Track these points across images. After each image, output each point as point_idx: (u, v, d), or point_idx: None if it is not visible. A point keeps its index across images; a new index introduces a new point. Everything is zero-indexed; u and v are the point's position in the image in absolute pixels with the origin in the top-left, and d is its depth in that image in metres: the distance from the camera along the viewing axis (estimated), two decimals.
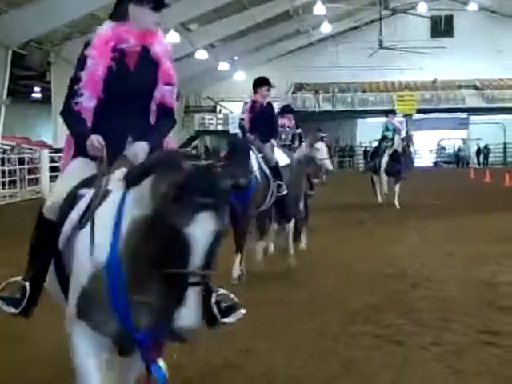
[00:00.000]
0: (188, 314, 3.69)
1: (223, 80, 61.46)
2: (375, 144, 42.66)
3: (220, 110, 63.71)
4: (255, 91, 13.55)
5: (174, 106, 5.26)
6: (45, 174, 34.20)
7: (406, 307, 11.31)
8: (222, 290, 4.71)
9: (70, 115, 4.75)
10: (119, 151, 4.67)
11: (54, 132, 43.68)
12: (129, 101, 4.91)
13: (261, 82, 13.63)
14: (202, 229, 3.68)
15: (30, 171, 34.92)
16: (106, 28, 4.85)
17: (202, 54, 50.77)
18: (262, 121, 13.39)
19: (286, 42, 59.72)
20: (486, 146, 60.21)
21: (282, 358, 8.67)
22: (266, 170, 12.84)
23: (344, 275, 13.53)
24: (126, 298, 4.03)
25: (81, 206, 4.47)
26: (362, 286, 12.35)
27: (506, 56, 60.07)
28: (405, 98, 58.78)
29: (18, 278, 4.58)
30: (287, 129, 18.33)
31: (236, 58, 58.51)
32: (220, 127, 63.16)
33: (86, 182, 4.63)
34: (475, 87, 61.05)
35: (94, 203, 4.35)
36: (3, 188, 32.18)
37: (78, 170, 4.78)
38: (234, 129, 60.50)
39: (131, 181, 4.20)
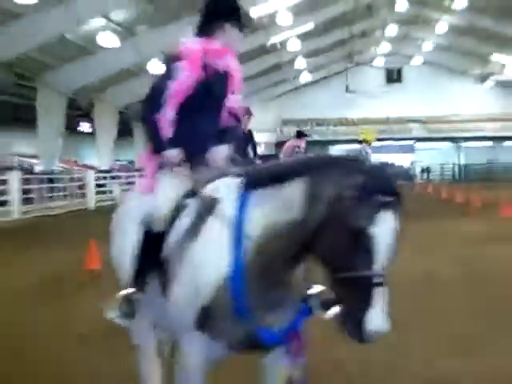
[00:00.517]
0: (378, 317, 3.14)
1: None
2: None
3: None
4: None
5: (241, 114, 4.86)
6: (90, 190, 34.66)
7: None
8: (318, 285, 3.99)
9: (151, 124, 4.26)
10: (200, 157, 4.29)
11: (97, 156, 44.21)
12: (207, 109, 4.51)
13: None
14: (384, 228, 3.18)
15: (79, 187, 35.08)
16: (197, 44, 4.39)
17: None
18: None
19: (275, 88, 60.34)
20: (427, 167, 61.12)
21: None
22: None
23: None
24: (251, 304, 3.45)
25: (188, 215, 3.87)
26: None
27: (443, 98, 60.78)
28: (366, 130, 59.32)
29: (126, 291, 4.00)
30: (302, 149, 18.62)
31: None
32: None
33: (187, 193, 4.05)
34: (420, 122, 61.62)
35: (203, 213, 3.78)
36: (59, 200, 32.58)
37: (171, 182, 4.16)
38: None
39: (255, 186, 3.63)
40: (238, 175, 3.80)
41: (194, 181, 4.05)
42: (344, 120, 61.19)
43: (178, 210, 3.94)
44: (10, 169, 30.30)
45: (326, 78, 60.30)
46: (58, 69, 33.83)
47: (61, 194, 33.52)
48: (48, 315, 9.28)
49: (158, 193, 4.11)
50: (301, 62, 52.52)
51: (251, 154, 16.07)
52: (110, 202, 35.76)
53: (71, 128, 43.79)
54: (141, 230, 4.06)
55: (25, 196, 28.91)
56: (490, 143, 61.77)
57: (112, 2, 28.56)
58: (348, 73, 51.78)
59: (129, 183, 42.75)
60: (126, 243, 4.29)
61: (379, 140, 58.72)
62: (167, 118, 4.23)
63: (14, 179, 27.81)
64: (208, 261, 3.55)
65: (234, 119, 4.62)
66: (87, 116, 44.70)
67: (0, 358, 7.33)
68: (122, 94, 41.01)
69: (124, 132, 46.90)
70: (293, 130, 60.89)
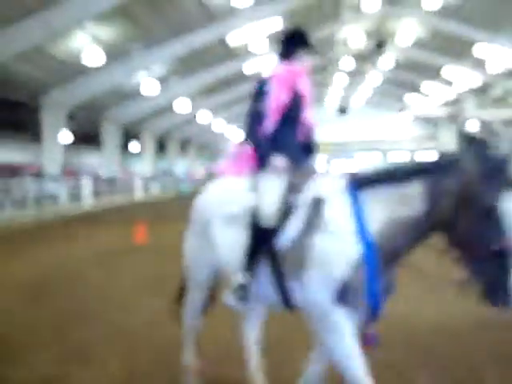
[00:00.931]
0: None
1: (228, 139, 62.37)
2: None
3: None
4: None
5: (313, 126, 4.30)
6: (139, 189, 34.94)
7: None
8: None
9: (256, 138, 3.86)
10: (297, 162, 3.86)
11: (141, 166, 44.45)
12: (293, 123, 4.10)
13: None
14: (509, 205, 2.80)
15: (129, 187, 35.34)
16: (282, 68, 4.07)
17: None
18: None
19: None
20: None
21: None
22: None
23: None
24: (380, 283, 3.07)
25: (301, 213, 3.35)
26: None
27: (375, 126, 61.15)
28: (323, 148, 59.33)
29: (241, 279, 3.46)
30: None
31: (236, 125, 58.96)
32: None
33: (293, 192, 3.48)
34: (359, 143, 62.02)
35: (317, 209, 3.30)
36: (117, 195, 32.92)
37: (275, 183, 3.59)
38: None
39: (362, 186, 3.27)
40: (341, 177, 3.44)
41: (296, 182, 3.56)
42: None
43: (287, 207, 3.42)
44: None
45: None
46: (118, 107, 34.07)
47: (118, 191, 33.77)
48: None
49: (264, 192, 3.58)
50: None
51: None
52: (149, 198, 36.18)
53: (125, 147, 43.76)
54: (248, 225, 3.53)
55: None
56: (408, 153, 62.25)
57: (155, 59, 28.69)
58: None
59: (163, 185, 43.27)
60: (227, 239, 3.67)
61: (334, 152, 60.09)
62: (268, 130, 3.91)
63: (87, 182, 28.27)
64: (340, 248, 3.12)
65: (310, 131, 4.25)
66: (137, 138, 44.67)
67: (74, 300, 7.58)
68: (158, 124, 41.40)
69: (162, 147, 47.32)
70: None
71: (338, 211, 3.23)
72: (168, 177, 46.17)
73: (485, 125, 50.33)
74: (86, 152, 44.32)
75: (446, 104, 46.67)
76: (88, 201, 28.09)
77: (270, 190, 3.56)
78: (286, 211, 3.39)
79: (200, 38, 27.17)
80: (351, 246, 3.09)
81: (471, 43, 33.57)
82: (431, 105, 51.74)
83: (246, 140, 4.03)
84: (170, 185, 44.43)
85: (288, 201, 3.43)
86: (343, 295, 3.06)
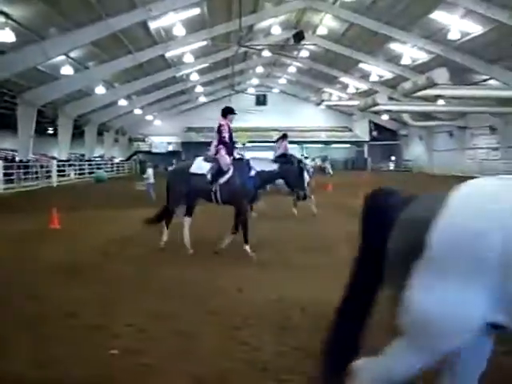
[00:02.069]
0: None
1: (149, 125, 61.29)
2: None
3: (146, 140, 63.18)
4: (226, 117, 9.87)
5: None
6: (54, 174, 33.94)
7: None
8: None
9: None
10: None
11: (58, 151, 43.00)
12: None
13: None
14: None
15: (46, 172, 34.22)
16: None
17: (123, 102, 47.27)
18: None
19: (181, 106, 60.09)
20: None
21: None
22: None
23: None
24: None
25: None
26: None
27: (293, 115, 61.94)
28: (242, 135, 59.69)
29: None
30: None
31: (155, 113, 58.27)
32: (147, 149, 62.03)
33: None
34: (278, 130, 62.25)
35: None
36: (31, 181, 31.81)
37: None
38: (155, 150, 60.88)
39: None
40: None
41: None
42: None
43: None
44: None
45: (216, 100, 60.30)
46: (33, 89, 32.76)
47: (33, 176, 32.58)
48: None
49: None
50: (199, 89, 52.60)
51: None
52: (67, 183, 35.12)
53: (40, 131, 42.34)
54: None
55: (6, 178, 28.11)
56: (322, 145, 63.35)
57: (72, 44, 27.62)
58: (231, 97, 51.72)
59: (81, 169, 42.11)
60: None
61: (251, 142, 60.02)
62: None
63: None
64: None
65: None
66: (53, 123, 43.21)
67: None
68: (75, 108, 40.20)
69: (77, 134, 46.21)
70: (194, 134, 61.81)
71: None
72: (84, 162, 44.94)
73: (394, 116, 52.17)
74: (0, 135, 42.56)
75: (360, 96, 47.83)
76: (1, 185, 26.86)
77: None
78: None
79: (121, 23, 26.41)
80: None
81: (385, 39, 34.56)
82: (346, 97, 52.96)
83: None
84: (86, 170, 43.23)
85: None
86: None
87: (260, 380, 4.24)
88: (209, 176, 9.58)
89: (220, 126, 9.88)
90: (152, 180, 22.25)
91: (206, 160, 9.94)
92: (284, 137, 18.89)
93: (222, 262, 8.85)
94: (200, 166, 9.79)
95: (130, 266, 8.53)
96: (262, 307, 6.16)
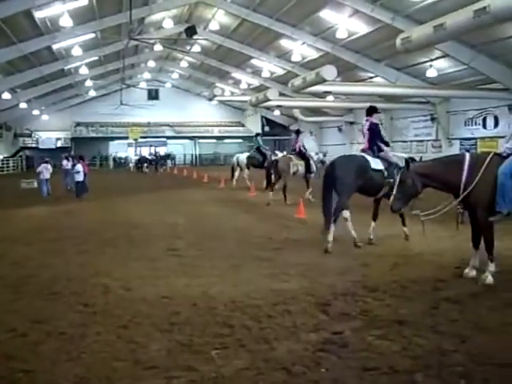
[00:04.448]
0: None
1: (36, 119, 58.55)
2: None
3: (33, 136, 60.23)
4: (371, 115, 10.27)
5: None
6: None
7: None
8: None
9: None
10: None
11: None
12: None
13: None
14: None
15: None
16: None
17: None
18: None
19: (70, 100, 57.66)
20: (170, 155, 57.29)
21: None
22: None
23: None
24: None
25: None
26: None
27: (185, 110, 61.63)
28: (134, 130, 58.69)
29: None
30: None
31: (43, 108, 55.71)
32: (34, 145, 58.96)
33: None
34: (169, 126, 62.03)
35: None
36: None
37: None
38: (42, 146, 58.08)
39: None
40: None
41: None
42: (119, 123, 59.95)
43: None
44: None
45: (106, 94, 58.79)
46: None
47: None
48: None
49: None
50: (88, 83, 50.74)
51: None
52: None
53: None
54: None
55: None
56: (215, 140, 63.57)
57: None
58: (122, 91, 50.55)
59: None
60: None
61: (143, 137, 59.19)
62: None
63: None
64: None
65: None
66: None
67: None
68: None
69: None
70: (84, 129, 59.95)
71: None
72: None
73: (286, 112, 53.20)
74: None
75: (253, 92, 48.28)
76: None
77: None
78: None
79: (2, 11, 24.85)
80: None
81: (276, 36, 35.07)
82: (239, 92, 53.29)
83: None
84: None
85: None
86: None
87: (148, 378, 4.14)
88: (385, 172, 9.74)
89: (377, 125, 10.19)
90: (47, 175, 22.28)
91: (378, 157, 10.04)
92: (298, 132, 18.74)
93: (111, 259, 8.60)
94: (377, 162, 9.87)
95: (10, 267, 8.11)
96: (151, 305, 6.02)
